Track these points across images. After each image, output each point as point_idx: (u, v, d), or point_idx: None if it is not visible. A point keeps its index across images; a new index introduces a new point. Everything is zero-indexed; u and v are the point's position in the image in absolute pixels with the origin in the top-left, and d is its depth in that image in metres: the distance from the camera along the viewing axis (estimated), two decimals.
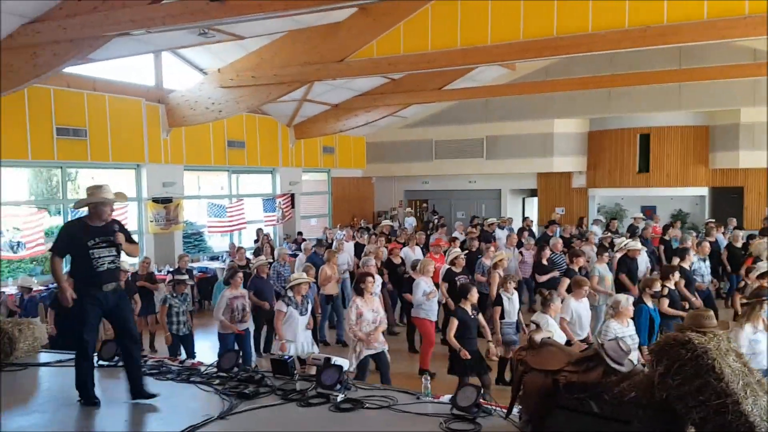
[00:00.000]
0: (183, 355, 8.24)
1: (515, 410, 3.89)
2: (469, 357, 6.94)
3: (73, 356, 5.05)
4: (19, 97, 10.81)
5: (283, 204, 17.56)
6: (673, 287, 8.12)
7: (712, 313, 4.75)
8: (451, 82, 16.76)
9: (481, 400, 4.14)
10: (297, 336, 7.31)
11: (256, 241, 15.58)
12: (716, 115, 17.57)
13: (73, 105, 12.07)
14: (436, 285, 9.33)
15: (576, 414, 3.34)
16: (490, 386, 7.09)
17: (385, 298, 10.57)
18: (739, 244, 12.63)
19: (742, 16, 8.77)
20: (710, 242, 11.84)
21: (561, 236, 13.62)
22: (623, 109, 17.97)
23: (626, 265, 10.16)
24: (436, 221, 18.53)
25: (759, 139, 16.74)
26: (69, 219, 12.30)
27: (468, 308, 7.29)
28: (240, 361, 5.59)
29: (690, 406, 3.01)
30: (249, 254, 13.82)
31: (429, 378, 4.81)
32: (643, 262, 10.86)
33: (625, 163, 18.87)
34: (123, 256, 5.26)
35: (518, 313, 8.40)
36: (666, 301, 7.86)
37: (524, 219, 17.78)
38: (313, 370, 5.27)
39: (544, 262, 10.93)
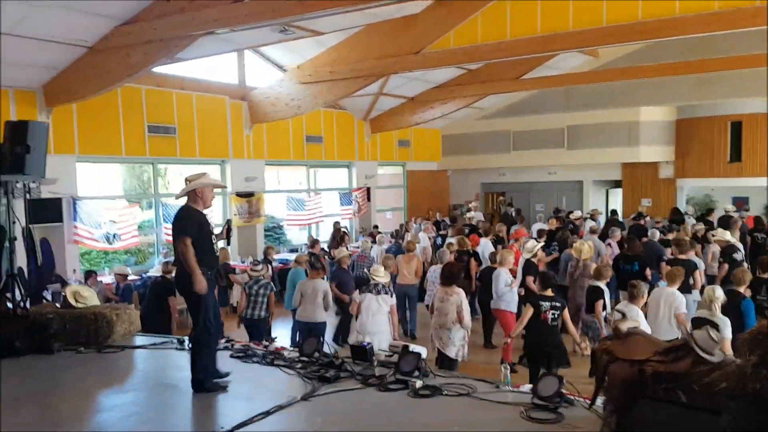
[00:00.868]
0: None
1: (599, 401, 3.80)
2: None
3: (165, 340, 5.35)
4: (113, 96, 11.46)
5: (360, 197, 17.81)
6: None
7: None
8: (530, 70, 16.41)
9: (563, 390, 4.07)
10: (374, 326, 7.26)
11: (334, 237, 15.82)
12: None
13: (162, 103, 12.69)
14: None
15: (663, 404, 3.23)
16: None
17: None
18: None
19: None
20: None
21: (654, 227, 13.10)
22: (713, 95, 17.01)
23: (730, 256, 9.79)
24: (513, 214, 18.25)
25: None
26: (161, 212, 13.03)
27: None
28: (321, 347, 5.72)
29: None
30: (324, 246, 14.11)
31: (508, 367, 4.76)
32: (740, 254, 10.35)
33: (715, 152, 17.87)
34: None
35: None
36: None
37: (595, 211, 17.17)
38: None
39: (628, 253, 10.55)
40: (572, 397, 4.12)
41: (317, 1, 7.65)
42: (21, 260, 7.42)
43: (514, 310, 8.81)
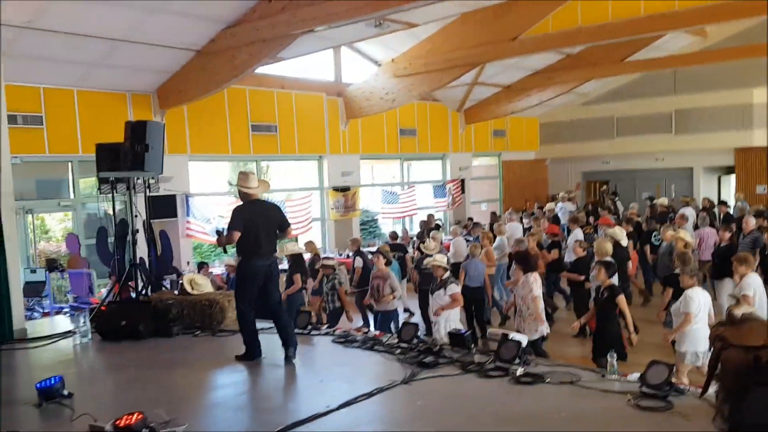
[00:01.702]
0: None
1: (711, 389, 3.62)
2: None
3: (272, 325, 5.65)
4: (220, 97, 12.09)
5: (453, 189, 17.76)
6: None
7: None
8: (634, 53, 15.76)
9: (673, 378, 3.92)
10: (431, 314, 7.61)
11: (432, 228, 15.83)
12: None
13: (265, 103, 13.24)
14: None
15: None
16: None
17: None
18: None
19: None
20: None
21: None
22: None
23: None
24: (610, 203, 17.63)
25: None
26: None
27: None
28: (419, 334, 5.80)
29: None
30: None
31: (615, 356, 4.63)
32: None
33: None
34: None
35: None
36: None
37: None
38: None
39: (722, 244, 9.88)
40: (683, 386, 3.96)
41: None
42: (142, 251, 8.00)
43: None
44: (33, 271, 9.96)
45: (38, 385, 4.45)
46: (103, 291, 8.88)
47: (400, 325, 7.31)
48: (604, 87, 19.45)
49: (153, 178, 7.42)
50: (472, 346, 5.35)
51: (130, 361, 5.73)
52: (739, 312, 3.45)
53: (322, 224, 14.87)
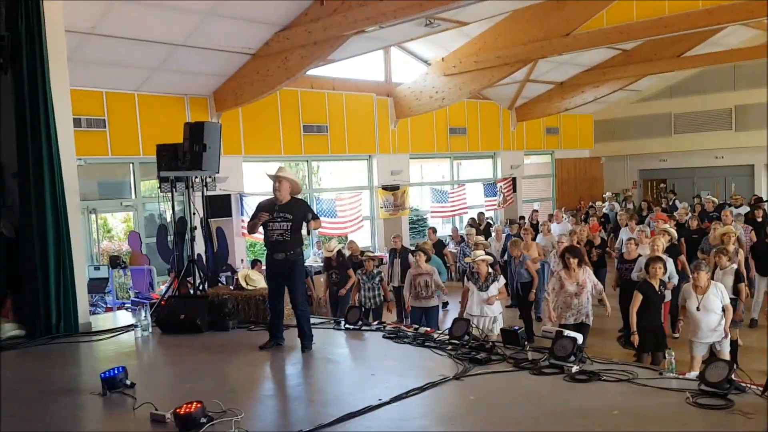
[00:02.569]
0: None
1: None
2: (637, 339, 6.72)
3: (324, 320, 5.79)
4: (273, 99, 12.33)
5: (504, 188, 17.57)
6: None
7: None
8: (691, 48, 15.27)
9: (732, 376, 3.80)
10: (475, 310, 7.61)
11: (482, 226, 15.73)
12: None
13: (316, 104, 13.44)
14: None
15: None
16: (660, 365, 6.45)
17: None
18: None
19: None
20: None
21: None
22: None
23: None
24: (666, 202, 17.13)
25: None
26: (314, 207, 13.80)
27: (655, 284, 6.90)
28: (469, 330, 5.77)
29: None
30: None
31: (673, 353, 4.52)
32: None
33: None
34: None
35: None
36: None
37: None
38: None
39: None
40: (744, 384, 3.84)
41: None
42: (199, 248, 8.24)
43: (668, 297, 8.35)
44: (97, 269, 10.37)
45: (102, 375, 4.61)
46: (163, 287, 9.18)
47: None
48: (661, 83, 18.94)
49: (210, 177, 7.62)
50: (526, 343, 5.30)
51: (189, 353, 5.91)
52: None
53: (371, 223, 14.98)
